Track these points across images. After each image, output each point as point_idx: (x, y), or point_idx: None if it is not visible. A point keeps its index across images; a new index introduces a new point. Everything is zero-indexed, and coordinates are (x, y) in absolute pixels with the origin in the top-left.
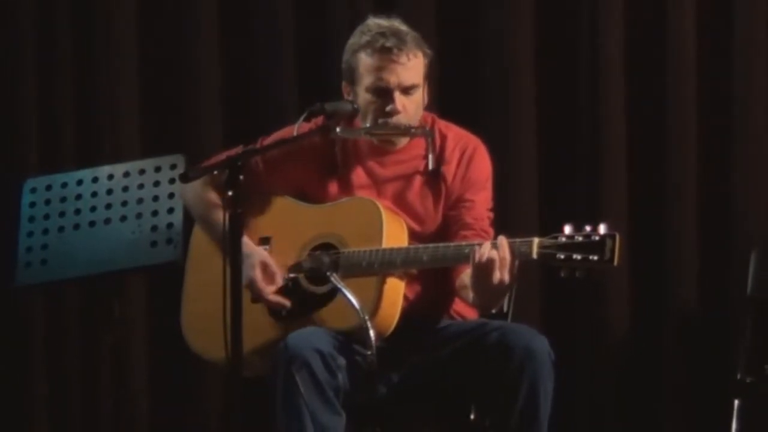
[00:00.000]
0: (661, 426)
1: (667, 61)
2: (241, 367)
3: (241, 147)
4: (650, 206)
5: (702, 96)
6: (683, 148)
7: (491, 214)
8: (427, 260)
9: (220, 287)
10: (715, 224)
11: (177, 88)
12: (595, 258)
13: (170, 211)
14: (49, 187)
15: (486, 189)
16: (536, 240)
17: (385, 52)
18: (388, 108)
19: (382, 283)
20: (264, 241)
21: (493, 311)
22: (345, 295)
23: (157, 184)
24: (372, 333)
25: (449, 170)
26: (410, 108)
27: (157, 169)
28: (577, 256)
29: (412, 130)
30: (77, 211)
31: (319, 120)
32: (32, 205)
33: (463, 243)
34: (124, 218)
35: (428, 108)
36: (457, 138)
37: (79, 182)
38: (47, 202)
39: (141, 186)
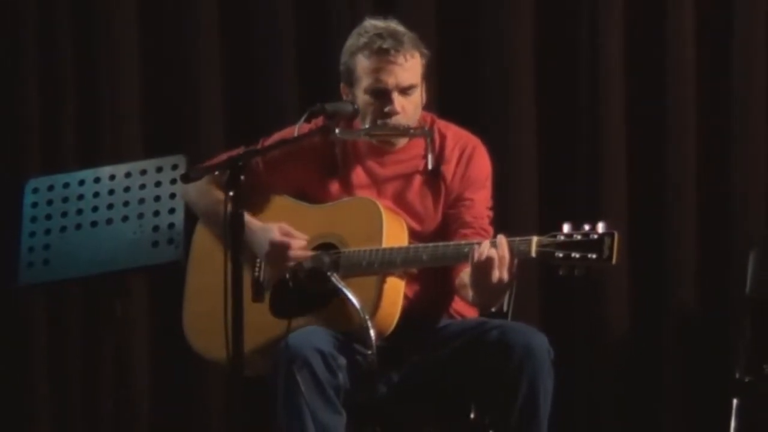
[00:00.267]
0: (660, 425)
1: (667, 61)
2: (242, 366)
3: (242, 148)
4: (650, 206)
5: (702, 96)
6: (683, 148)
7: (491, 213)
8: (427, 259)
9: (222, 287)
10: (715, 224)
11: (177, 88)
12: (594, 256)
13: (172, 211)
14: (51, 188)
15: (485, 188)
16: (535, 238)
17: (383, 54)
18: (387, 109)
19: (383, 282)
20: None
21: (493, 310)
22: (345, 295)
23: (158, 184)
24: (372, 332)
25: (449, 169)
26: (409, 108)
27: (159, 170)
28: (576, 255)
29: (411, 131)
30: (79, 211)
31: (320, 120)
32: (34, 205)
33: (463, 242)
34: (125, 218)
35: (428, 108)
36: (457, 137)
37: (81, 182)
38: (49, 202)
39: (143, 186)
